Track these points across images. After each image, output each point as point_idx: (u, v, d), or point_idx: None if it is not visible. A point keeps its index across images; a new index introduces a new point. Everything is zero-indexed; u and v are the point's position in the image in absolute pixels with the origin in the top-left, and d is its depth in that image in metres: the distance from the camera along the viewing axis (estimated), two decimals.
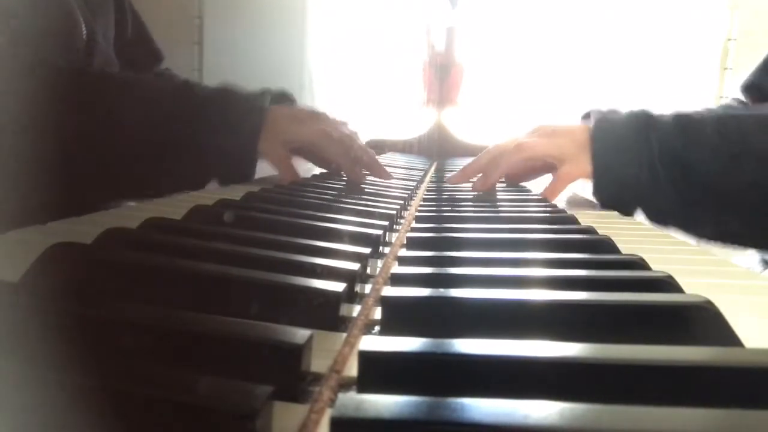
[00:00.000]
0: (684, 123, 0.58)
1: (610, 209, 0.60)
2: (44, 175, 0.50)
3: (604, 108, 0.63)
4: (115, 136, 0.55)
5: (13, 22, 0.56)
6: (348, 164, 0.65)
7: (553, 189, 0.63)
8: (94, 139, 0.54)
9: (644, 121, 0.59)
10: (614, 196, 0.60)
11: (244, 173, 0.61)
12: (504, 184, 0.75)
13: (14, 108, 0.49)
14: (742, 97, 0.75)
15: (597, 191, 0.61)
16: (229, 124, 0.59)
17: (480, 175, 0.66)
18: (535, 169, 0.72)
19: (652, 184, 0.57)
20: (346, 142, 0.65)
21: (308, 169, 0.76)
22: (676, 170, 0.57)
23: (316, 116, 0.66)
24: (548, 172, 0.69)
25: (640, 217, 0.61)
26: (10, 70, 0.52)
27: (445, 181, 0.76)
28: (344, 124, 0.70)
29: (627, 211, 0.59)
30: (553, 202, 0.61)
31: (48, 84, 0.53)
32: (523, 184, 0.75)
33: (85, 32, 0.66)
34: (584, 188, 0.70)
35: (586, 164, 0.60)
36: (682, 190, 0.57)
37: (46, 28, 0.60)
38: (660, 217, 0.59)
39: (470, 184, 0.71)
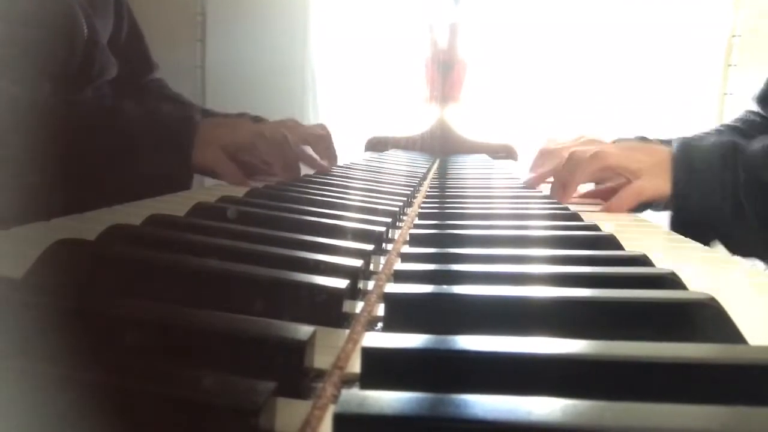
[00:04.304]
0: None
1: (687, 236, 0.59)
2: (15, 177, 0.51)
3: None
4: (65, 154, 0.56)
5: (13, 19, 0.56)
6: (279, 164, 0.65)
7: (622, 202, 0.59)
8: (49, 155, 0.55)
9: (731, 149, 0.56)
10: (693, 224, 0.57)
11: (186, 181, 0.62)
12: (509, 185, 0.75)
13: None
14: (755, 108, 0.74)
15: (675, 218, 0.57)
16: (162, 144, 0.60)
17: (553, 180, 0.64)
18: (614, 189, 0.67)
19: (735, 216, 0.55)
20: (280, 140, 0.66)
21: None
22: (761, 203, 0.54)
23: (250, 121, 0.68)
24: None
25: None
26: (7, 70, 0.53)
27: (447, 178, 0.76)
28: (291, 124, 0.71)
29: (704, 240, 0.58)
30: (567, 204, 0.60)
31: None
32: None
33: (86, 30, 0.66)
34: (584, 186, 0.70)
35: (663, 185, 0.57)
36: (765, 221, 0.54)
37: (46, 24, 0.61)
38: (741, 249, 0.57)
39: (470, 182, 0.70)
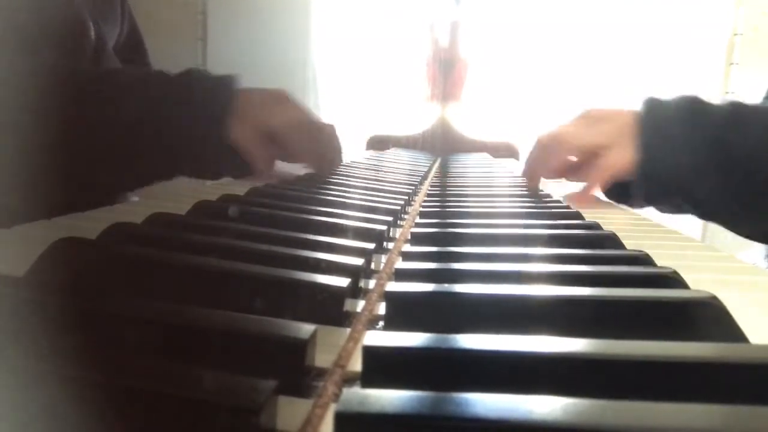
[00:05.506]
0: (737, 113, 0.54)
1: (653, 203, 0.56)
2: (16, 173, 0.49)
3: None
4: (85, 131, 0.52)
5: (21, 24, 0.56)
6: (315, 160, 0.62)
7: (594, 180, 0.57)
8: (61, 136, 0.51)
9: (696, 109, 0.55)
10: (661, 185, 0.55)
11: (214, 160, 0.57)
12: (510, 183, 0.75)
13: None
14: None
15: (643, 180, 0.55)
16: (195, 107, 0.55)
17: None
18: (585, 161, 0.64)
19: (702, 174, 0.53)
20: (316, 134, 0.62)
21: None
22: (726, 162, 0.53)
23: (288, 101, 0.62)
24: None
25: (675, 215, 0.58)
26: (15, 71, 0.52)
27: (448, 177, 0.76)
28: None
29: (671, 203, 0.56)
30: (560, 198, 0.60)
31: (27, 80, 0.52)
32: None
33: (93, 37, 0.66)
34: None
35: (632, 153, 0.55)
36: (732, 183, 0.53)
37: (54, 29, 0.60)
38: (707, 210, 0.56)
39: (471, 180, 0.70)
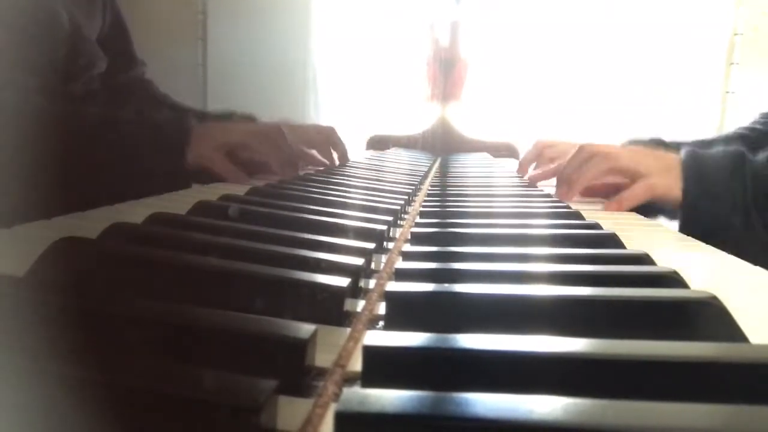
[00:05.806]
0: None
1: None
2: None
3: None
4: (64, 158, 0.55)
5: None
6: (275, 161, 0.66)
7: (635, 196, 0.58)
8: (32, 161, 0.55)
9: (739, 159, 0.56)
10: (703, 234, 0.55)
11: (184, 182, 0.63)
12: (510, 183, 0.74)
13: None
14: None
15: (684, 226, 0.57)
16: (155, 150, 0.61)
17: (558, 176, 0.63)
18: (616, 186, 0.65)
19: (745, 226, 0.55)
20: (274, 138, 0.66)
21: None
22: None
23: (246, 122, 0.68)
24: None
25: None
26: None
27: (448, 176, 0.76)
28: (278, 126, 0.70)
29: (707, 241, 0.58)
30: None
31: None
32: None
33: (68, 25, 0.66)
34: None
35: (674, 185, 0.57)
36: None
37: (26, 21, 0.61)
38: (747, 253, 0.57)
39: (472, 180, 0.70)
